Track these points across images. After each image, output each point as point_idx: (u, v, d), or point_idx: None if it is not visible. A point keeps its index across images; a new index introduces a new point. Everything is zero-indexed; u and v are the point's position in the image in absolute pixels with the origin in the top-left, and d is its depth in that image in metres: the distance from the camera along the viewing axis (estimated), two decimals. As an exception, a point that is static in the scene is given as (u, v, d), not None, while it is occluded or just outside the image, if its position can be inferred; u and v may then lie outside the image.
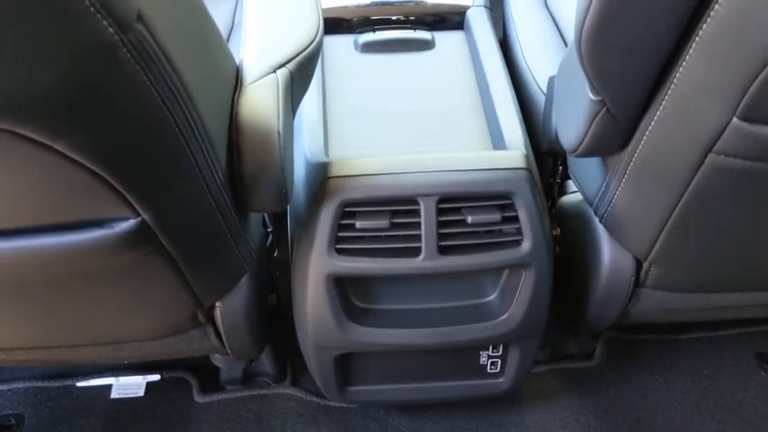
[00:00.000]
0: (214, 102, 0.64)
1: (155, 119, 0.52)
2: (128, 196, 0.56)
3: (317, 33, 0.79)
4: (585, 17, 0.59)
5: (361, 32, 1.18)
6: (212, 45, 0.66)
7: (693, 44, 0.58)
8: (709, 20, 0.55)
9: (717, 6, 0.54)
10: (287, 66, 0.73)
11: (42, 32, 0.40)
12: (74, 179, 0.52)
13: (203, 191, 0.64)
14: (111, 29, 0.43)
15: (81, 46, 0.43)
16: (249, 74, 0.72)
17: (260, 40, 0.77)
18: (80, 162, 0.50)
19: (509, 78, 1.05)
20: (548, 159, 1.07)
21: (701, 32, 0.57)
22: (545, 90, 1.01)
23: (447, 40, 1.18)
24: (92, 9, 0.41)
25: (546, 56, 1.11)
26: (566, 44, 1.12)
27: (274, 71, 0.72)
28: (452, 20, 1.22)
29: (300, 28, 0.79)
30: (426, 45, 1.16)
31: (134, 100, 0.49)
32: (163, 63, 0.49)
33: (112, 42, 0.44)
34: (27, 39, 0.40)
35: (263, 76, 0.71)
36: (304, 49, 0.76)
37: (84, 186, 0.53)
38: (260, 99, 0.70)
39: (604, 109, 0.67)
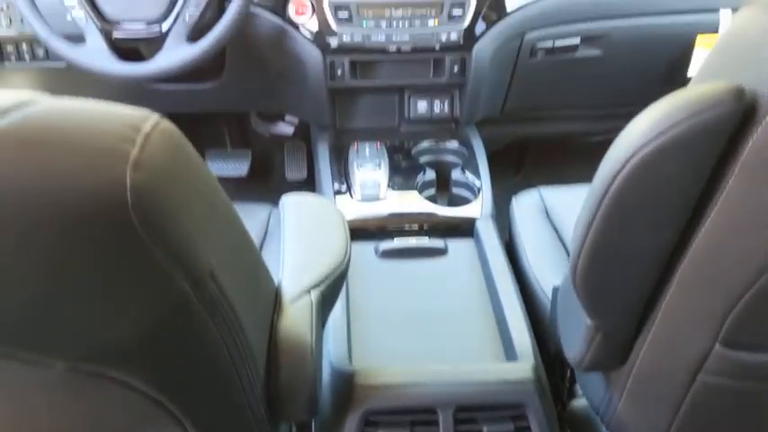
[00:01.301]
0: (258, 325, 0.72)
1: (214, 354, 0.60)
2: (179, 416, 0.63)
3: (346, 255, 0.90)
4: (579, 258, 0.69)
5: (380, 240, 1.30)
6: (258, 274, 0.76)
7: (674, 282, 0.67)
8: (686, 260, 0.65)
9: (691, 250, 0.64)
10: (319, 287, 0.83)
11: (130, 293, 0.49)
12: (133, 403, 0.58)
13: (244, 405, 0.70)
14: (188, 287, 0.52)
15: (162, 303, 0.51)
16: (287, 295, 0.81)
17: (296, 262, 0.87)
18: (141, 390, 0.58)
19: (516, 285, 1.15)
20: (556, 361, 1.13)
21: (679, 272, 0.66)
22: (549, 295, 1.10)
23: (458, 248, 1.29)
24: (172, 271, 0.49)
25: (549, 263, 1.21)
26: (566, 250, 1.23)
27: (309, 292, 0.82)
28: (463, 228, 1.34)
29: (331, 251, 0.90)
30: (440, 252, 1.27)
31: (199, 342, 0.57)
32: (227, 311, 0.58)
33: (188, 299, 0.52)
34: (117, 298, 0.49)
35: (299, 298, 0.81)
36: (334, 271, 0.86)
37: (141, 408, 0.59)
38: (296, 319, 0.78)
39: (601, 333, 0.76)
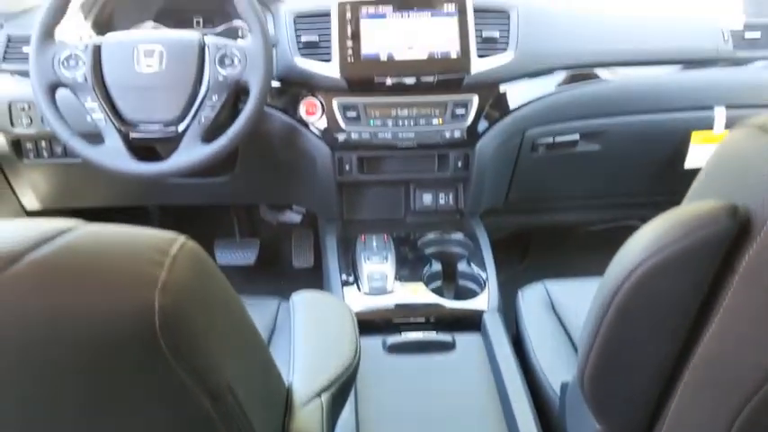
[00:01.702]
0: (270, 429, 0.73)
1: None
2: None
3: (355, 357, 0.91)
4: (585, 367, 0.71)
5: (388, 333, 1.31)
6: (270, 379, 0.76)
7: (680, 388, 0.68)
8: (690, 367, 0.66)
9: (695, 357, 0.66)
10: (330, 389, 0.84)
11: (152, 409, 0.51)
12: None
13: None
14: (208, 402, 0.53)
15: (181, 417, 0.53)
16: (298, 398, 0.82)
17: (307, 364, 0.89)
18: None
19: (524, 382, 1.15)
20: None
21: (684, 378, 0.67)
22: (557, 391, 1.10)
23: (466, 342, 1.30)
24: (193, 387, 0.51)
25: (556, 358, 1.20)
26: (573, 344, 1.23)
27: (319, 395, 0.82)
28: (470, 321, 1.35)
29: (341, 352, 0.91)
30: (448, 347, 1.28)
31: None
32: (242, 421, 0.59)
33: (208, 413, 0.53)
34: (139, 414, 0.50)
35: (310, 401, 0.82)
36: (344, 372, 0.87)
37: None
38: (308, 423, 0.79)
39: (610, 438, 0.77)
